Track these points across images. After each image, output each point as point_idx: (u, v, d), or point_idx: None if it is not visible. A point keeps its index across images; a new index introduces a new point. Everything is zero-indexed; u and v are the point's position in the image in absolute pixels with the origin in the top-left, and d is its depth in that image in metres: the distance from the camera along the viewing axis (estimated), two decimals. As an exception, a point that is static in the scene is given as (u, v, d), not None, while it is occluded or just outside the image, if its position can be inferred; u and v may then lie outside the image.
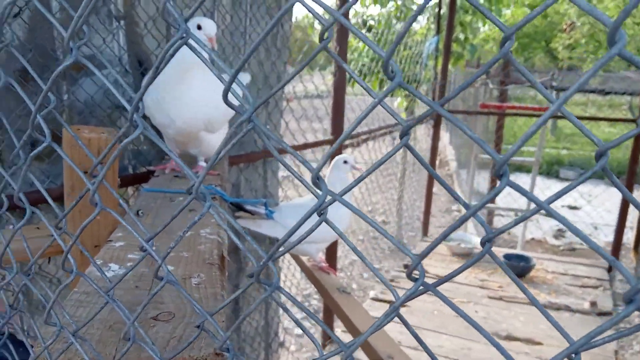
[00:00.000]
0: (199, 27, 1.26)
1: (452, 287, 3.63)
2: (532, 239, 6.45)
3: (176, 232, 1.04)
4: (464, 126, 0.31)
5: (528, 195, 0.30)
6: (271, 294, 0.41)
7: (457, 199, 0.35)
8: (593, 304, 3.35)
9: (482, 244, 0.32)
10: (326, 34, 0.36)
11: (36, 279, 1.39)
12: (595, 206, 6.94)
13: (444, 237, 0.33)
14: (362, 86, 0.37)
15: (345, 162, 2.08)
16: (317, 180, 0.36)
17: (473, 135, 0.31)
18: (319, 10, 0.36)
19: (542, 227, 6.65)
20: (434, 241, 0.34)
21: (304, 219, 0.36)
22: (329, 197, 0.37)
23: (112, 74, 1.55)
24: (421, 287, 0.34)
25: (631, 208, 3.97)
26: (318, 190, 0.37)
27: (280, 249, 0.42)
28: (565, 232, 6.77)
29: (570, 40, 9.55)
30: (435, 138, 4.21)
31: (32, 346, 0.56)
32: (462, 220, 0.32)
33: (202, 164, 1.49)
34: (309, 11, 0.37)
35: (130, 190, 1.68)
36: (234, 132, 0.38)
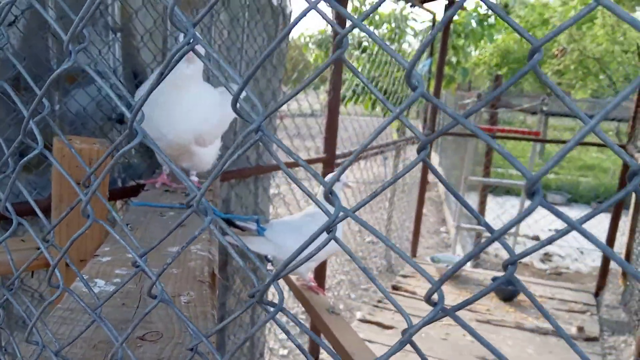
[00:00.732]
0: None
1: (441, 309, 3.60)
2: (519, 262, 6.46)
3: (165, 248, 1.01)
4: (490, 140, 0.29)
5: (562, 216, 0.29)
6: (271, 316, 0.39)
7: (480, 221, 0.34)
8: (580, 329, 3.34)
9: (505, 267, 0.30)
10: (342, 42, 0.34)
11: (18, 293, 1.34)
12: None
13: (468, 259, 0.32)
14: (377, 97, 0.35)
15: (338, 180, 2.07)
16: (330, 195, 0.34)
17: (502, 150, 0.30)
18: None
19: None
20: (455, 265, 0.32)
21: (316, 236, 0.34)
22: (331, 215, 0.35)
23: (108, 85, 1.53)
24: (440, 312, 0.32)
25: (618, 233, 3.99)
26: (326, 206, 0.36)
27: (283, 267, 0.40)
28: (552, 257, 6.79)
29: (559, 66, 9.74)
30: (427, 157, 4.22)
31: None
32: (488, 243, 0.30)
33: (194, 178, 1.47)
34: (324, 18, 0.36)
35: (118, 204, 1.64)
36: (240, 141, 0.36)
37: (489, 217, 6.16)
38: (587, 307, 3.70)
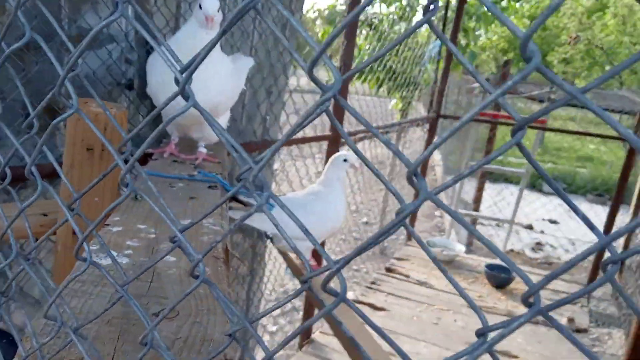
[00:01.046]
0: (200, 6, 1.19)
1: (433, 293, 3.61)
2: (512, 250, 6.50)
3: (178, 222, 0.98)
4: (614, 121, 0.26)
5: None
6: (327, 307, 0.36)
7: (590, 226, 0.31)
8: (570, 320, 3.37)
9: (605, 267, 0.28)
10: (432, 6, 0.31)
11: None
12: (579, 221, 6.92)
13: (570, 267, 0.29)
14: (468, 70, 0.32)
15: (345, 160, 2.04)
16: (414, 178, 0.31)
17: (626, 132, 0.26)
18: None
19: (522, 239, 6.69)
20: (561, 268, 0.29)
21: (393, 225, 0.31)
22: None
23: (116, 50, 1.47)
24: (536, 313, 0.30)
25: (616, 226, 4.00)
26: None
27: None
28: (544, 246, 6.81)
29: (566, 54, 9.63)
30: (430, 142, 4.18)
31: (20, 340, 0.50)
32: (595, 250, 0.27)
33: (203, 149, 1.43)
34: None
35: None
36: (313, 110, 0.32)
37: (486, 204, 6.15)
38: (578, 298, 3.73)
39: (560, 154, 11.32)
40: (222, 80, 1.29)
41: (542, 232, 7.23)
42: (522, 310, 3.54)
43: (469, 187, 6.17)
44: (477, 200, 5.87)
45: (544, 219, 7.67)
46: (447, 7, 3.87)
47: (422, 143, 4.22)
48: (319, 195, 2.00)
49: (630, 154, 3.84)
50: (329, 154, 2.54)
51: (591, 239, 6.29)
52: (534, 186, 9.06)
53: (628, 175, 3.78)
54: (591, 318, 3.67)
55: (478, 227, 6.45)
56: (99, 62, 1.40)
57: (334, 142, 2.54)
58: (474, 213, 5.60)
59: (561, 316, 3.43)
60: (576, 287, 3.95)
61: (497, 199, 5.95)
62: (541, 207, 7.31)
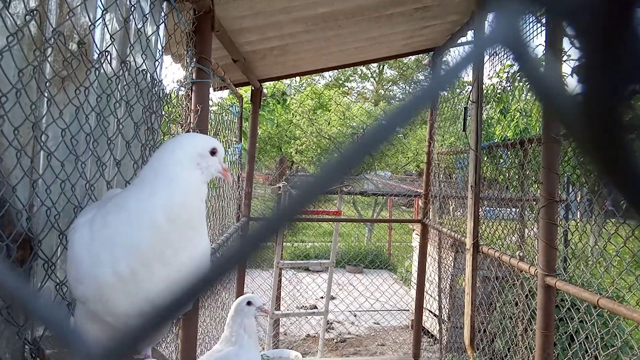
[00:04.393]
0: (213, 153, 0.84)
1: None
2: (308, 335, 6.55)
3: None
4: None
5: None
6: None
7: None
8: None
9: None
10: None
11: None
12: (350, 292, 7.42)
13: None
14: None
15: (249, 303, 1.68)
16: None
17: None
18: None
19: (311, 323, 6.76)
20: None
21: None
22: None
23: None
24: None
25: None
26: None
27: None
28: (333, 324, 7.03)
29: (302, 146, 10.86)
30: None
31: None
32: None
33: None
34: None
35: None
36: None
37: (285, 291, 6.10)
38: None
39: (308, 232, 12.27)
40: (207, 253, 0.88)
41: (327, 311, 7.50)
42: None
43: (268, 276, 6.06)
44: (277, 287, 5.78)
45: (322, 297, 8.02)
46: (241, 118, 3.90)
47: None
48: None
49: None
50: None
51: (366, 307, 6.81)
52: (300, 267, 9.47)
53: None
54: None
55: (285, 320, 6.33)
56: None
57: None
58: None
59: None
60: None
61: (295, 285, 5.97)
62: (317, 287, 7.61)
